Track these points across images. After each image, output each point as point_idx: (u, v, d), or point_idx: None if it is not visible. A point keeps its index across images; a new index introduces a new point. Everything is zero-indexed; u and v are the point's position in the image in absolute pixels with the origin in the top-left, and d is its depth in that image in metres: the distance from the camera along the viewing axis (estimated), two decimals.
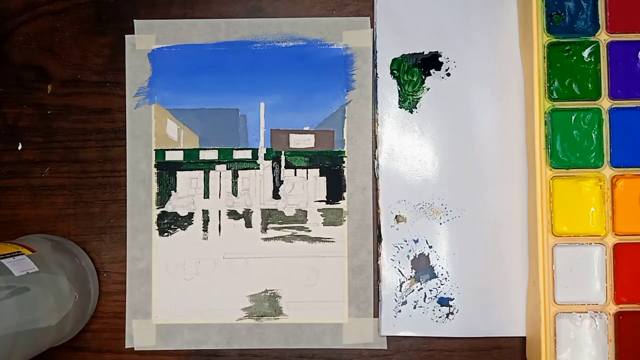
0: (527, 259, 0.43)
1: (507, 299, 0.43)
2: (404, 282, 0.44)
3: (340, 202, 0.45)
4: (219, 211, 0.45)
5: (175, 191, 0.45)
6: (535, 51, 0.41)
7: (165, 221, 0.45)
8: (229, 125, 0.45)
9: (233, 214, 0.45)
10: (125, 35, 0.45)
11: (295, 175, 0.45)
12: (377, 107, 0.45)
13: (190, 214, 0.45)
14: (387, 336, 0.44)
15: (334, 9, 0.45)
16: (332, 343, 0.44)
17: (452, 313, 0.44)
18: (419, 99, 0.44)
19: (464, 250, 0.44)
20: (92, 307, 0.44)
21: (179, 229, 0.45)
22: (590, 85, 0.41)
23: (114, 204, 0.45)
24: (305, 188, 0.45)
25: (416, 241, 0.44)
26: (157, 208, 0.45)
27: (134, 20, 0.45)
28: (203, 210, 0.45)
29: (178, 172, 0.45)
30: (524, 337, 0.44)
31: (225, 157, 0.45)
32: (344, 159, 0.45)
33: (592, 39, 0.41)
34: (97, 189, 0.45)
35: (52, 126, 0.45)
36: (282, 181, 0.45)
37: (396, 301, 0.44)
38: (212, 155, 0.45)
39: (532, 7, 0.41)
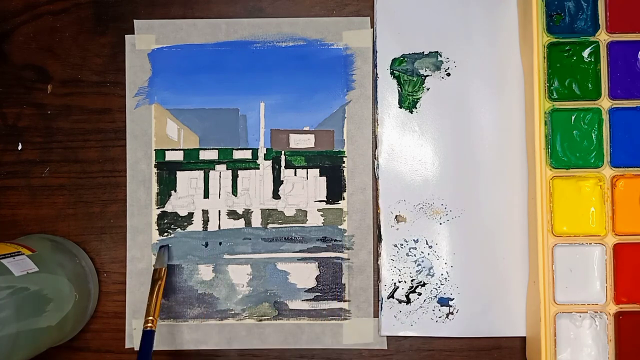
0: (527, 259, 0.43)
1: (507, 299, 0.43)
2: (404, 282, 0.44)
3: (340, 202, 0.45)
4: (219, 211, 0.45)
5: (175, 191, 0.45)
6: (535, 51, 0.41)
7: (165, 221, 0.45)
8: (229, 125, 0.45)
9: (233, 214, 0.45)
10: (125, 35, 0.45)
11: (295, 175, 0.45)
12: (377, 107, 0.45)
13: (190, 214, 0.45)
14: (387, 336, 0.44)
15: (334, 9, 0.45)
16: (332, 343, 0.44)
17: (452, 313, 0.44)
18: (419, 99, 0.44)
19: (464, 250, 0.44)
20: (92, 307, 0.44)
21: (178, 229, 0.45)
22: (590, 85, 0.41)
23: (114, 204, 0.45)
24: (305, 188, 0.45)
25: (416, 241, 0.44)
26: (157, 208, 0.45)
27: (134, 20, 0.45)
28: (203, 210, 0.45)
29: (178, 172, 0.45)
30: (524, 337, 0.44)
31: (225, 157, 0.45)
32: (344, 159, 0.45)
33: (592, 39, 0.41)
34: (97, 189, 0.45)
35: (52, 126, 0.45)
36: (282, 181, 0.45)
37: (396, 301, 0.44)
38: (212, 155, 0.45)
39: (532, 7, 0.41)
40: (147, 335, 0.39)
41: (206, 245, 0.45)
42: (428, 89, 0.44)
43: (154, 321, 0.40)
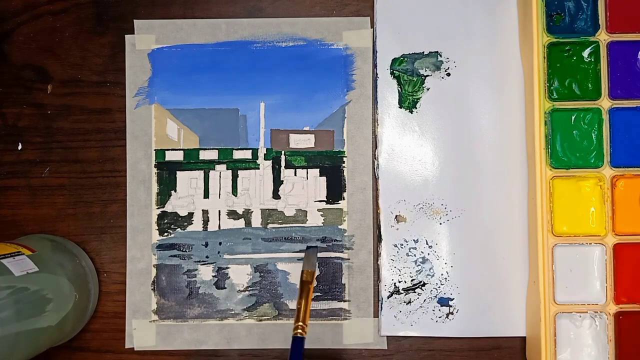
0: (527, 259, 0.43)
1: (507, 299, 0.43)
2: (404, 282, 0.44)
3: (340, 202, 0.45)
4: (219, 211, 0.45)
5: (175, 191, 0.45)
6: (535, 51, 0.41)
7: (165, 221, 0.45)
8: (229, 125, 0.45)
9: (233, 214, 0.45)
10: (125, 35, 0.45)
11: (295, 175, 0.45)
12: (377, 107, 0.45)
13: (190, 214, 0.45)
14: (387, 336, 0.44)
15: (334, 9, 0.45)
16: (332, 343, 0.44)
17: (452, 313, 0.44)
18: (419, 99, 0.44)
19: (464, 250, 0.44)
20: (92, 307, 0.44)
21: (178, 229, 0.45)
22: (590, 85, 0.41)
23: (114, 204, 0.45)
24: (305, 188, 0.45)
25: (416, 241, 0.44)
26: (157, 208, 0.45)
27: (134, 20, 0.45)
28: (203, 210, 0.45)
29: (178, 172, 0.45)
30: (524, 337, 0.44)
31: (225, 157, 0.45)
32: (344, 159, 0.45)
33: (592, 39, 0.41)
34: (97, 189, 0.45)
35: (52, 126, 0.45)
36: (282, 181, 0.45)
37: (396, 301, 0.44)
38: (212, 155, 0.45)
39: (532, 7, 0.41)
40: (297, 342, 0.36)
41: (206, 245, 0.45)
42: (428, 89, 0.44)
43: (304, 327, 0.36)
